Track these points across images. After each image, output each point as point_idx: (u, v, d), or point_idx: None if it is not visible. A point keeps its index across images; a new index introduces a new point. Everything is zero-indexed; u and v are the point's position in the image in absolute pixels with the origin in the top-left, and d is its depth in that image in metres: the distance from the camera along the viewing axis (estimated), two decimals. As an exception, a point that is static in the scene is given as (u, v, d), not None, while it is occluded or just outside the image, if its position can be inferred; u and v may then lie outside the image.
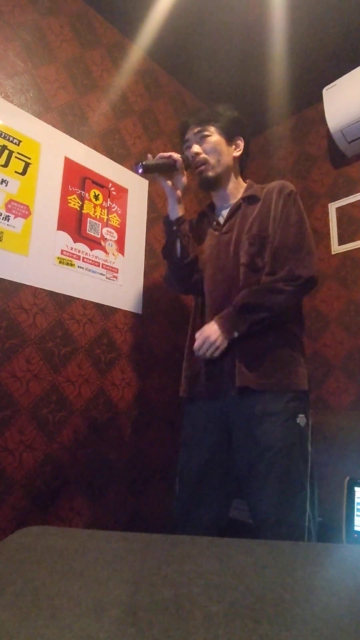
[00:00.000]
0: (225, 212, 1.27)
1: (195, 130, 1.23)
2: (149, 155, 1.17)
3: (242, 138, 1.27)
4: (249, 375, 1.05)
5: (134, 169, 1.11)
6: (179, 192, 1.21)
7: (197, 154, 1.21)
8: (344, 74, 1.86)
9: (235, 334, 1.07)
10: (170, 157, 1.17)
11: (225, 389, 1.10)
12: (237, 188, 1.28)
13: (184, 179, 1.20)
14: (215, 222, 1.28)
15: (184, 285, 1.29)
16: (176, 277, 1.28)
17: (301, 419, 1.04)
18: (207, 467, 1.12)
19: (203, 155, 1.21)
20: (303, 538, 0.96)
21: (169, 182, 1.19)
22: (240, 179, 1.30)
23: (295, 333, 1.15)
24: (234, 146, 1.26)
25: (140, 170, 1.11)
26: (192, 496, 1.11)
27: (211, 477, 1.11)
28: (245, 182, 1.30)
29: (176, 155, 1.17)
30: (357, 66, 1.81)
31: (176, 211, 1.21)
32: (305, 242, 1.11)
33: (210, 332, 1.08)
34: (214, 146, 1.21)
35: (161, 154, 1.18)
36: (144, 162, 1.11)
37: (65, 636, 0.30)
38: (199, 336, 1.10)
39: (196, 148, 1.22)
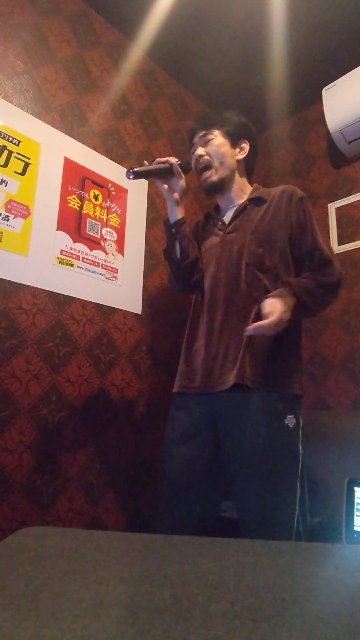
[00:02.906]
0: (230, 213, 1.28)
1: (201, 134, 1.26)
2: (145, 162, 1.18)
3: (247, 142, 1.28)
4: (248, 373, 1.05)
5: (125, 175, 1.11)
6: (176, 195, 1.21)
7: (201, 155, 1.24)
8: (344, 74, 1.86)
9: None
10: (166, 161, 1.17)
11: (219, 384, 1.10)
12: (242, 190, 1.28)
13: (182, 182, 1.21)
14: (220, 223, 1.29)
15: (184, 286, 1.30)
16: (177, 277, 1.29)
17: (290, 420, 1.03)
18: (193, 465, 1.11)
19: (206, 157, 1.23)
20: (290, 539, 0.95)
21: (165, 186, 1.20)
22: (246, 182, 1.31)
23: (298, 338, 1.16)
24: (238, 149, 1.27)
25: (131, 177, 1.10)
26: (177, 494, 1.10)
27: (197, 474, 1.10)
28: (252, 185, 1.31)
29: (172, 160, 1.18)
30: (357, 66, 1.82)
31: (175, 214, 1.22)
32: (329, 244, 1.20)
33: (285, 309, 1.00)
34: (217, 148, 1.23)
35: (158, 159, 1.18)
36: (135, 169, 1.10)
37: (65, 636, 0.30)
38: (276, 309, 0.98)
39: (200, 150, 1.24)
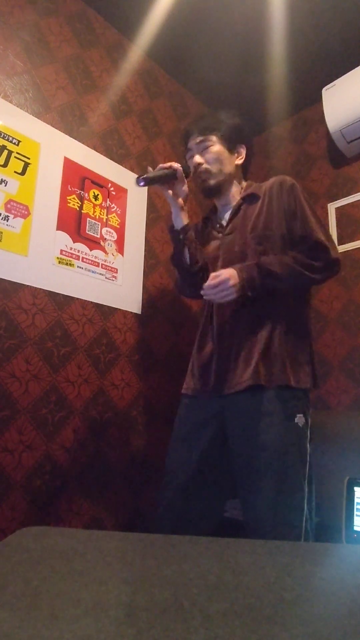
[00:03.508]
0: (227, 215, 1.28)
1: (198, 140, 1.24)
2: (149, 168, 1.18)
3: (244, 145, 1.28)
4: (262, 373, 1.05)
5: (135, 182, 1.12)
6: (180, 201, 1.21)
7: (199, 164, 1.22)
8: (344, 74, 1.86)
9: (249, 294, 1.06)
10: (170, 167, 1.17)
11: (231, 386, 1.10)
12: (239, 192, 1.29)
13: (185, 188, 1.21)
14: (218, 225, 1.29)
15: (196, 291, 1.29)
16: (188, 283, 1.29)
17: (299, 419, 1.04)
18: (200, 465, 1.11)
19: (205, 166, 1.23)
20: (300, 538, 0.95)
21: (170, 192, 1.20)
22: (243, 183, 1.32)
23: (307, 329, 1.17)
24: (236, 154, 1.27)
25: (142, 184, 1.12)
26: (182, 494, 1.10)
27: (204, 475, 1.11)
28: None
29: (176, 165, 1.18)
30: (357, 66, 1.82)
31: (180, 220, 1.22)
32: (325, 228, 1.17)
33: (230, 277, 1.04)
34: (215, 156, 1.22)
35: (161, 165, 1.18)
36: (145, 176, 1.12)
37: (65, 636, 0.30)
38: (217, 277, 1.04)
39: (198, 159, 1.23)
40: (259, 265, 1.07)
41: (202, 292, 1.07)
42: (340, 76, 1.87)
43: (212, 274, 1.06)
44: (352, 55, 1.86)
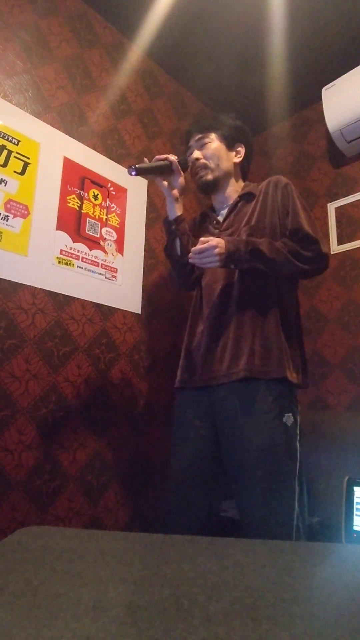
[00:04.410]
0: (224, 212, 1.30)
1: (197, 138, 1.28)
2: (145, 159, 1.19)
3: (242, 145, 1.30)
4: (248, 365, 1.06)
5: (127, 171, 1.12)
6: (175, 192, 1.23)
7: (197, 159, 1.26)
8: (343, 73, 1.86)
9: (232, 266, 1.09)
10: (165, 158, 1.19)
11: (219, 376, 1.10)
12: (236, 191, 1.31)
13: (181, 180, 1.22)
14: (215, 221, 1.31)
15: (186, 282, 1.32)
16: (178, 274, 1.31)
17: (287, 418, 1.04)
18: (195, 464, 1.12)
19: (203, 160, 1.26)
20: (291, 536, 0.96)
21: (165, 183, 1.22)
22: (241, 183, 1.33)
23: (298, 324, 1.17)
24: (234, 152, 1.30)
25: (133, 173, 1.12)
26: (181, 494, 1.11)
27: (199, 473, 1.11)
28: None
29: (172, 157, 1.20)
30: (356, 66, 1.82)
31: (174, 211, 1.24)
32: (316, 226, 1.18)
33: (217, 245, 1.05)
34: (213, 152, 1.26)
35: (157, 156, 1.20)
36: (136, 165, 1.12)
37: (65, 636, 0.30)
38: (206, 242, 1.06)
39: (196, 154, 1.26)
40: (246, 241, 1.08)
41: (188, 255, 1.09)
42: (340, 76, 1.87)
43: (202, 239, 1.07)
44: (352, 55, 1.86)
